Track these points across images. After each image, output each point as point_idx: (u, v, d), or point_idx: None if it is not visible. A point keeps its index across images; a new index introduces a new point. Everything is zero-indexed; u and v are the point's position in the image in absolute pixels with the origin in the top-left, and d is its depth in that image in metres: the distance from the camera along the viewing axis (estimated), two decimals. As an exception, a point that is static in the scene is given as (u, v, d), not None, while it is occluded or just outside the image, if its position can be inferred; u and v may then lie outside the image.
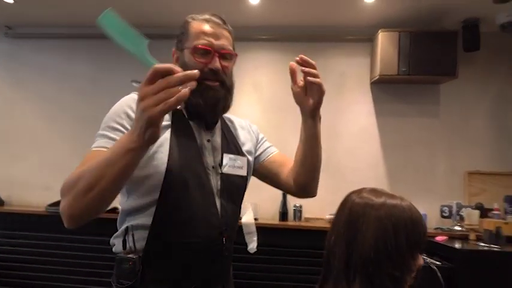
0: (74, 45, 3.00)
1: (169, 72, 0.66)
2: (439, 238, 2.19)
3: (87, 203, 0.76)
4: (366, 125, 2.72)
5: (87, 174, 0.75)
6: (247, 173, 1.08)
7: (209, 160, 1.02)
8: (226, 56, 1.00)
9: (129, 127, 0.90)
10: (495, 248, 1.91)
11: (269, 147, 1.19)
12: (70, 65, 3.01)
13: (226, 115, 1.12)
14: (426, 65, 2.45)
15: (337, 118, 2.74)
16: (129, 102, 0.95)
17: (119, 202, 1.01)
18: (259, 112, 2.82)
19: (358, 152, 2.70)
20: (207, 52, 0.98)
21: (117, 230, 0.99)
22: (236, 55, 1.03)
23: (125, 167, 0.73)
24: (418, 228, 0.80)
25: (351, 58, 2.77)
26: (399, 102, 2.71)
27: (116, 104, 0.98)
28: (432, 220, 2.52)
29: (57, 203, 2.60)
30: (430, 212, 2.51)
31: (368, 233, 0.78)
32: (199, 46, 0.98)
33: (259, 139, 1.19)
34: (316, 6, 2.47)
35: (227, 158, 1.05)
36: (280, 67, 2.84)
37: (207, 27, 1.00)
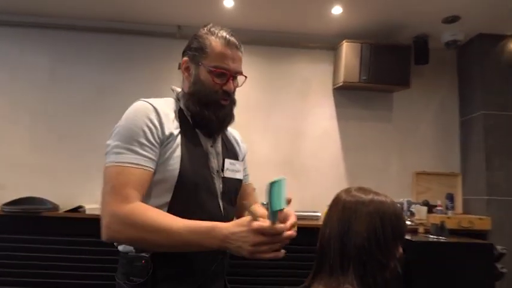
0: (28, 35, 2.84)
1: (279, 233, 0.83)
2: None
3: (144, 243, 0.91)
4: (328, 128, 2.92)
5: (159, 235, 0.87)
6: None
7: (214, 165, 1.08)
8: (236, 77, 1.10)
9: (153, 141, 0.97)
10: (442, 239, 2.18)
11: (247, 174, 1.28)
12: (24, 56, 2.85)
13: None
14: (384, 75, 2.70)
15: (301, 121, 2.90)
16: (147, 113, 0.99)
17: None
18: None
19: (320, 152, 2.88)
20: (224, 75, 1.06)
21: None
22: (246, 77, 1.12)
23: (194, 249, 0.90)
24: (401, 221, 0.94)
25: (316, 64, 2.95)
26: (358, 108, 2.94)
27: (132, 115, 1.00)
28: (386, 216, 2.77)
29: (12, 202, 2.48)
30: (384, 208, 2.76)
31: (361, 227, 0.90)
32: (220, 70, 1.05)
33: (245, 160, 1.27)
34: (287, 13, 2.61)
35: (228, 163, 1.13)
36: (249, 69, 2.92)
37: (227, 51, 1.06)
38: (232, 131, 1.26)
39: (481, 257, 2.08)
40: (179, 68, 1.16)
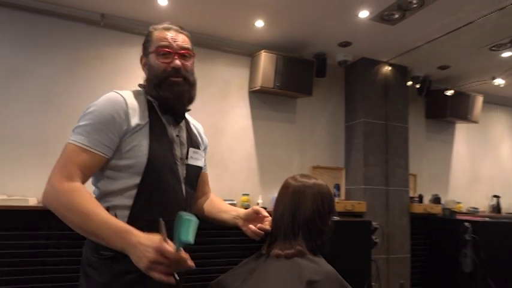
0: None
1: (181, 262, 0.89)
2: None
3: (64, 220, 0.99)
4: (244, 126, 3.28)
5: (76, 217, 0.96)
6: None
7: (178, 152, 1.20)
8: (186, 55, 1.19)
9: (114, 131, 1.07)
10: (336, 218, 2.75)
11: (205, 164, 1.38)
12: None
13: (187, 116, 1.33)
14: (293, 83, 3.17)
15: (221, 118, 3.19)
16: (116, 104, 1.10)
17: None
18: None
19: (237, 147, 3.22)
20: (169, 53, 1.15)
21: None
22: (194, 54, 1.22)
23: (100, 241, 0.96)
24: (333, 200, 1.31)
25: (235, 68, 3.27)
26: (269, 110, 3.37)
27: (102, 103, 1.10)
28: (289, 202, 3.27)
29: None
30: (288, 196, 3.26)
31: (307, 203, 1.24)
32: (161, 48, 1.15)
33: (206, 151, 1.38)
34: (215, 18, 2.86)
35: (191, 151, 1.25)
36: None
37: (167, 33, 1.18)
38: (196, 124, 1.40)
39: (361, 231, 2.72)
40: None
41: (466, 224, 3.07)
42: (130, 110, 1.11)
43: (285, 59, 3.13)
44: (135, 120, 1.11)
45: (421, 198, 3.65)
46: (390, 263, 3.23)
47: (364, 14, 2.71)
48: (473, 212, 3.94)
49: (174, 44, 1.17)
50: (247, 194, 3.10)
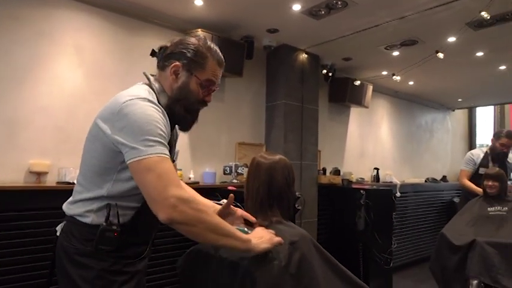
0: None
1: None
2: (230, 187, 3.17)
3: (191, 222, 1.04)
4: (176, 102, 3.31)
5: (211, 234, 1.06)
6: None
7: (173, 155, 1.29)
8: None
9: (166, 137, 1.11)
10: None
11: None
12: None
13: None
14: (228, 64, 3.31)
15: (153, 93, 3.16)
16: (157, 111, 1.11)
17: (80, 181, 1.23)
18: (81, 77, 2.82)
19: (170, 123, 3.26)
20: (209, 89, 1.24)
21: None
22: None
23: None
24: (293, 171, 1.56)
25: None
26: (199, 87, 3.47)
27: (147, 110, 1.07)
28: (218, 176, 3.48)
29: None
30: (217, 170, 3.46)
31: (279, 177, 1.46)
32: (209, 84, 1.22)
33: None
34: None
35: (176, 153, 1.36)
36: (105, 35, 2.92)
37: (219, 69, 1.26)
38: None
39: (287, 200, 3.11)
40: (152, 55, 1.32)
41: (362, 191, 3.74)
42: (167, 123, 1.14)
43: (219, 40, 3.25)
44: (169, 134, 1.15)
45: (324, 170, 4.24)
46: (303, 226, 3.74)
47: (297, 7, 3.00)
48: (361, 181, 4.75)
49: (217, 82, 1.25)
50: (180, 169, 3.20)
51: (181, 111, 1.20)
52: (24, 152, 2.52)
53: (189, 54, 1.20)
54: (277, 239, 1.21)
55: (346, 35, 3.54)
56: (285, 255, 1.25)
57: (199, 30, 3.15)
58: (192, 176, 3.28)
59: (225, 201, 1.40)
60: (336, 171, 4.32)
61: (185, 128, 1.29)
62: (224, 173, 3.44)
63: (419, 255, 5.00)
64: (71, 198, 1.24)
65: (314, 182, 3.94)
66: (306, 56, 3.97)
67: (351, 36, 3.55)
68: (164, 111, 1.14)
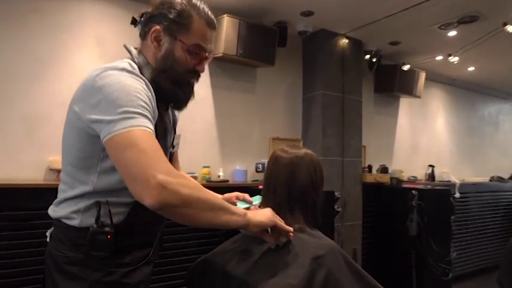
0: None
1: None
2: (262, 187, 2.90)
3: (186, 204, 0.86)
4: (203, 95, 3.11)
5: (208, 214, 0.90)
6: None
7: (168, 142, 1.10)
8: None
9: (152, 111, 0.94)
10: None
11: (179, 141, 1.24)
12: None
13: None
14: (255, 52, 3.06)
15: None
16: (139, 81, 0.95)
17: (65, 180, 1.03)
18: None
19: (196, 116, 3.06)
20: (200, 55, 1.02)
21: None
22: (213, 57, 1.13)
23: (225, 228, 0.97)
24: (322, 170, 1.27)
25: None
26: (228, 78, 3.24)
27: (125, 80, 0.91)
28: (250, 174, 3.22)
29: None
30: (248, 167, 3.21)
31: (302, 175, 1.19)
32: (197, 48, 1.01)
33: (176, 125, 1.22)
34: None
35: (175, 138, 1.16)
36: (124, 23, 2.77)
37: (208, 30, 1.02)
38: None
39: (326, 201, 2.77)
40: (133, 24, 1.11)
41: (413, 191, 3.30)
42: (152, 97, 0.97)
43: (248, 26, 3.00)
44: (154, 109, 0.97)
45: (370, 168, 3.84)
46: (344, 229, 3.38)
47: (333, -18, 2.66)
48: (413, 180, 4.26)
49: (208, 46, 1.04)
50: (208, 167, 2.99)
51: (169, 85, 1.02)
52: (44, 148, 2.43)
53: (170, 15, 1.01)
54: (286, 226, 1.04)
55: (393, 13, 3.12)
56: (306, 272, 1.00)
57: (225, 16, 2.91)
58: (221, 174, 3.06)
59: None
60: (384, 169, 3.90)
61: (178, 105, 1.11)
62: (256, 171, 3.18)
63: (482, 265, 4.38)
64: (56, 199, 1.08)
65: (358, 181, 3.57)
66: (347, 41, 3.61)
67: (399, 15, 3.12)
68: (149, 84, 0.97)
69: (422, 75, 4.23)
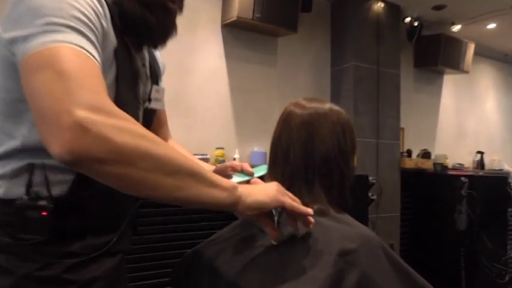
0: None
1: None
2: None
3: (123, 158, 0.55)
4: (216, 66, 2.76)
5: (163, 179, 0.58)
6: None
7: (141, 91, 0.84)
8: None
9: (99, 27, 0.66)
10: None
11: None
12: None
13: None
14: (275, 16, 2.67)
15: (189, 55, 2.65)
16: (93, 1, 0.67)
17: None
18: None
19: (208, 91, 2.72)
20: None
21: None
22: None
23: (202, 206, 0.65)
24: (354, 133, 0.91)
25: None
26: (245, 49, 2.87)
27: None
28: (269, 157, 2.85)
29: None
30: (268, 149, 2.82)
31: (325, 137, 0.83)
32: None
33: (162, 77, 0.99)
34: None
35: (154, 90, 0.88)
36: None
37: None
38: None
39: (356, 187, 2.35)
40: None
41: (463, 178, 2.82)
42: (102, 14, 0.69)
43: (265, -14, 2.60)
44: (108, 26, 0.70)
45: (409, 152, 3.41)
46: (380, 221, 2.95)
47: None
48: (459, 167, 3.76)
49: None
50: (222, 148, 2.64)
51: (135, 7, 0.76)
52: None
53: None
54: (301, 207, 0.70)
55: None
56: (329, 275, 0.68)
57: (239, -28, 2.53)
58: (237, 156, 2.72)
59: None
60: (426, 154, 3.46)
61: (151, 37, 0.82)
62: (277, 154, 2.78)
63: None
64: None
65: (395, 166, 3.13)
66: (383, 5, 3.16)
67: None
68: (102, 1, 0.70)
69: (471, 47, 3.70)
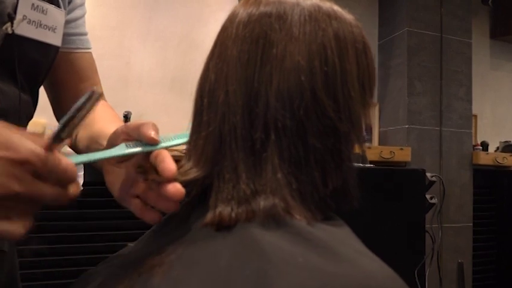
0: None
1: None
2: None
3: None
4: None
5: None
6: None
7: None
8: None
9: None
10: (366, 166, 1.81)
11: (84, 33, 0.78)
12: None
13: None
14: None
15: (197, 27, 2.24)
16: None
17: None
18: (90, 7, 2.07)
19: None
20: None
21: None
22: None
23: None
24: (370, 53, 0.46)
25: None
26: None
27: None
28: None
29: None
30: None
31: (297, 52, 0.40)
32: None
33: (83, 7, 0.78)
34: None
35: (29, 5, 0.59)
36: None
37: None
38: None
39: (409, 186, 1.74)
40: None
41: None
42: None
43: None
44: None
45: (485, 145, 2.69)
46: (444, 234, 2.29)
47: None
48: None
49: None
50: (236, 136, 2.18)
51: None
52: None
53: None
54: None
55: None
56: None
57: None
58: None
59: None
60: (507, 147, 2.76)
61: None
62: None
63: None
64: None
65: (466, 163, 2.48)
66: (448, -45, 2.49)
67: None
68: None
69: None
